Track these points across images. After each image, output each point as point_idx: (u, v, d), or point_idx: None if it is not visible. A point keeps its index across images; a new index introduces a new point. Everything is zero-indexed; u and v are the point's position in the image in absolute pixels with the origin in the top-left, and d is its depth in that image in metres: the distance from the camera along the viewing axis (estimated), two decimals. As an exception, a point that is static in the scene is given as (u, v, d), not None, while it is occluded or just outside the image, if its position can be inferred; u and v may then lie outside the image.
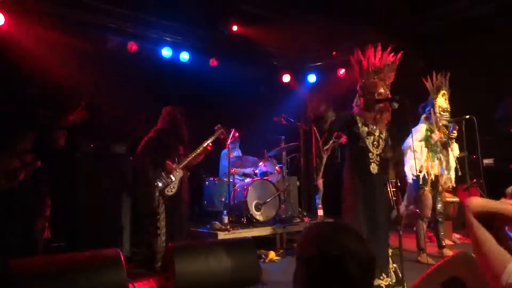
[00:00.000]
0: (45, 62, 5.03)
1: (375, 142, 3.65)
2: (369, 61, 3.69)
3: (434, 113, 4.80)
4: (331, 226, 1.22)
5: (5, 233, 3.90)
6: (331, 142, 6.51)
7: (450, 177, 4.90)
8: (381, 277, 3.46)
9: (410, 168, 4.71)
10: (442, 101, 4.81)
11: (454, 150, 4.95)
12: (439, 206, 4.94)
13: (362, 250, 1.14)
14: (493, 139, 5.81)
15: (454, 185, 5.07)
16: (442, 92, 4.82)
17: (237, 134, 5.58)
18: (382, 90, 3.63)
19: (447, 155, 4.89)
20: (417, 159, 4.63)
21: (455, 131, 4.80)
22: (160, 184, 4.58)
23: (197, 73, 6.55)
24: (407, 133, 4.82)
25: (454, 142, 4.89)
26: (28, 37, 5.07)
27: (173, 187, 4.65)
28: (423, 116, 4.93)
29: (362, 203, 3.55)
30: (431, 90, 4.81)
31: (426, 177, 4.80)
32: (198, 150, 4.85)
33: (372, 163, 3.62)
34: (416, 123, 4.92)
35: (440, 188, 4.96)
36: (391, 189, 3.75)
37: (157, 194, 4.57)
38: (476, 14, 5.67)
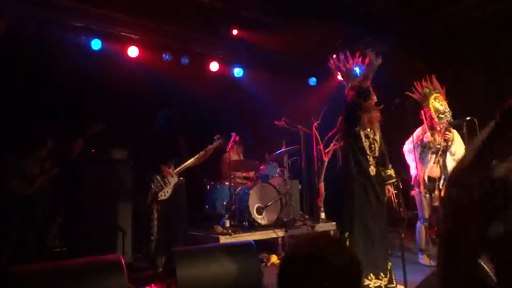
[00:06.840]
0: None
1: (372, 146, 3.67)
2: (346, 66, 3.69)
3: (432, 118, 4.72)
4: (313, 235, 1.21)
5: (19, 237, 3.91)
6: (332, 145, 6.52)
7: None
8: (380, 277, 3.47)
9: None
10: (437, 105, 4.67)
11: (457, 152, 4.72)
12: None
13: (339, 255, 1.10)
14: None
15: None
16: (433, 96, 4.68)
17: (237, 137, 5.56)
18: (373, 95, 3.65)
19: (444, 158, 4.78)
20: (410, 161, 4.64)
21: (448, 133, 4.66)
22: (153, 187, 4.56)
23: (197, 77, 6.56)
24: (406, 134, 4.82)
25: (452, 144, 4.72)
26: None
27: (167, 192, 4.61)
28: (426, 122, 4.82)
29: (360, 205, 3.56)
30: (420, 100, 4.70)
31: (418, 178, 4.73)
32: (194, 158, 4.83)
33: (371, 165, 3.64)
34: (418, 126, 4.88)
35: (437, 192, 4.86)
36: (393, 191, 3.76)
37: (150, 198, 4.54)
38: (478, 15, 5.67)
